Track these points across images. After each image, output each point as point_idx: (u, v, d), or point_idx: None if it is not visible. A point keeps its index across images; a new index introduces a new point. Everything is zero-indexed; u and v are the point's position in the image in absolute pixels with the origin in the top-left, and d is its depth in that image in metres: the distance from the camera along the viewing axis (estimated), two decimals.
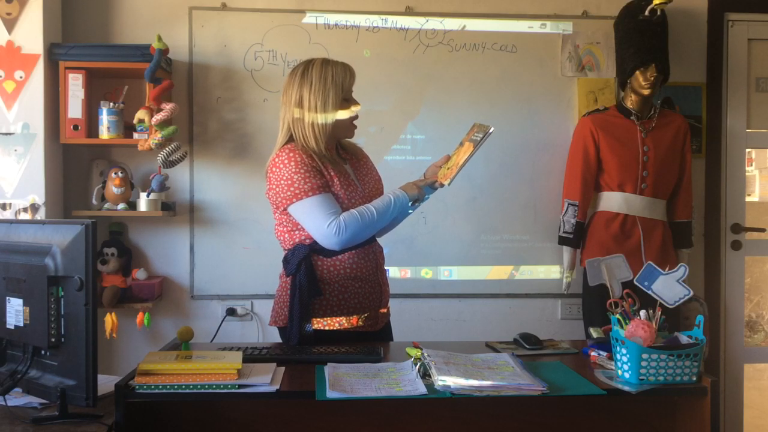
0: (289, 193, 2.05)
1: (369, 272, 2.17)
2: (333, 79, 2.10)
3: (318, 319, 2.13)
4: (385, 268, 2.31)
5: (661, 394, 1.68)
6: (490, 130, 2.07)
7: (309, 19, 3.25)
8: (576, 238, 3.13)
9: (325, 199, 2.05)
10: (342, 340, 2.11)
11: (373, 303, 2.19)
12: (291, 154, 2.07)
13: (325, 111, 2.10)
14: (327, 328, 2.13)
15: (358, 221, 2.05)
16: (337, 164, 2.15)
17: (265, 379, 1.64)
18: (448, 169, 2.15)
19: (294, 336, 2.08)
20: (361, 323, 2.16)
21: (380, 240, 2.29)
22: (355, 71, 2.18)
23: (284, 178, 2.06)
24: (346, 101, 2.15)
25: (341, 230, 2.03)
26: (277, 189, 2.08)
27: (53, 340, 1.60)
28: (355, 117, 2.19)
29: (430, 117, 3.30)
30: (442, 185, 2.16)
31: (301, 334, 2.09)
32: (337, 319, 2.13)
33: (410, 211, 2.26)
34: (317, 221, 2.04)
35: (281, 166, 2.07)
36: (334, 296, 2.13)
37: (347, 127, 2.17)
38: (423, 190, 2.17)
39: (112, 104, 3.01)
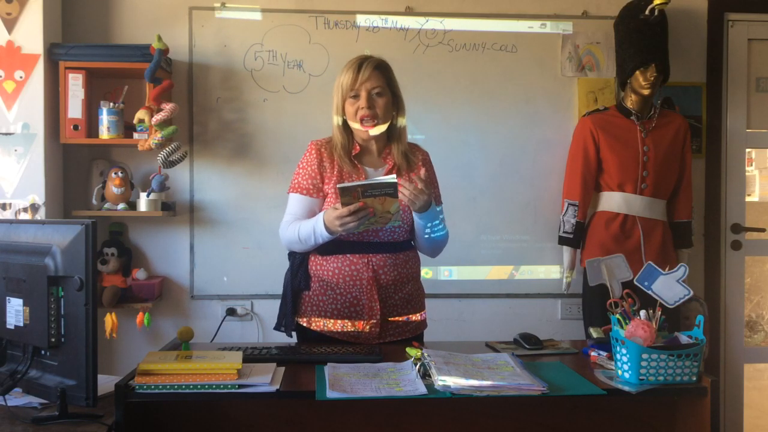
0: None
1: (344, 282, 2.10)
2: (338, 81, 2.14)
3: (302, 318, 2.18)
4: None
5: (661, 394, 1.68)
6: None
7: (309, 19, 3.25)
8: (576, 238, 3.13)
9: (296, 201, 2.15)
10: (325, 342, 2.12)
11: (351, 314, 2.11)
12: (308, 148, 2.19)
13: (334, 112, 2.16)
14: (311, 327, 2.16)
15: (285, 232, 2.13)
16: (349, 164, 2.14)
17: (265, 379, 1.64)
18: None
19: (280, 324, 2.21)
20: (340, 333, 2.14)
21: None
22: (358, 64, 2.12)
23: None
24: (354, 98, 2.10)
25: (280, 232, 2.16)
26: None
27: (53, 340, 1.60)
28: (364, 113, 2.07)
29: (430, 117, 3.30)
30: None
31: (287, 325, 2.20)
32: (316, 320, 2.15)
33: (431, 232, 2.19)
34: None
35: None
36: (315, 296, 2.15)
37: (355, 123, 2.11)
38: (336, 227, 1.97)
39: (112, 104, 3.01)
